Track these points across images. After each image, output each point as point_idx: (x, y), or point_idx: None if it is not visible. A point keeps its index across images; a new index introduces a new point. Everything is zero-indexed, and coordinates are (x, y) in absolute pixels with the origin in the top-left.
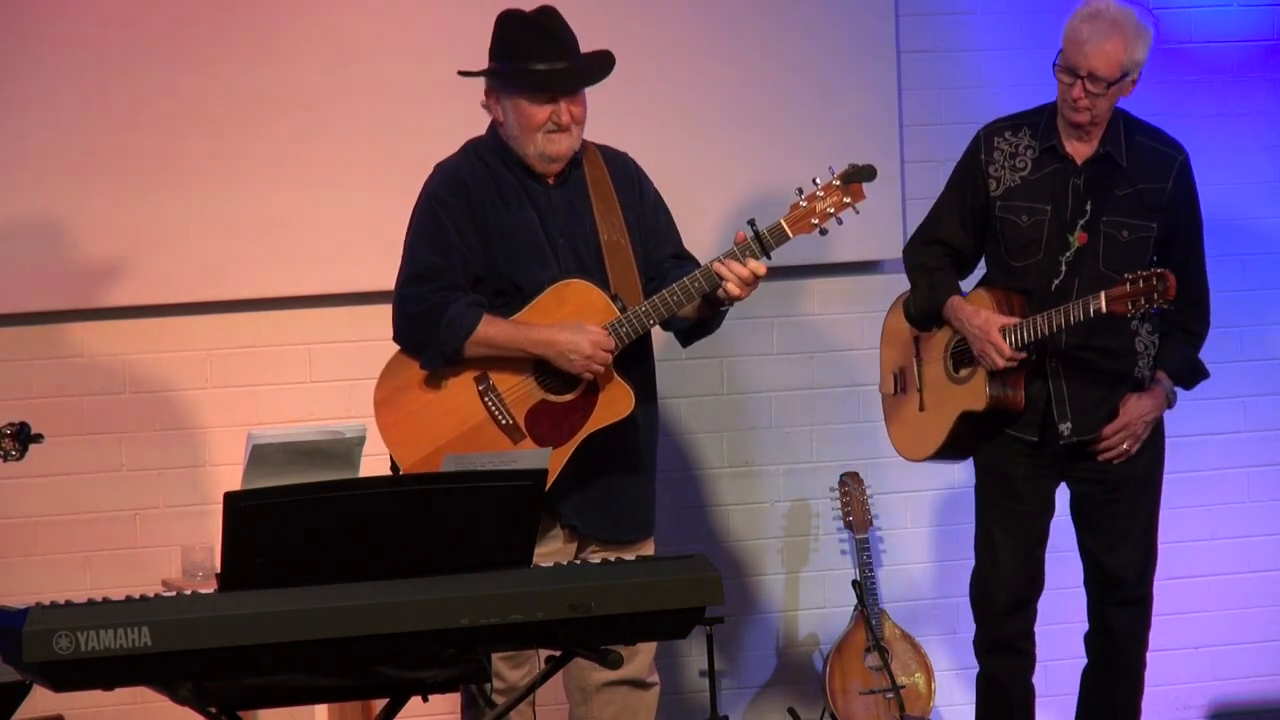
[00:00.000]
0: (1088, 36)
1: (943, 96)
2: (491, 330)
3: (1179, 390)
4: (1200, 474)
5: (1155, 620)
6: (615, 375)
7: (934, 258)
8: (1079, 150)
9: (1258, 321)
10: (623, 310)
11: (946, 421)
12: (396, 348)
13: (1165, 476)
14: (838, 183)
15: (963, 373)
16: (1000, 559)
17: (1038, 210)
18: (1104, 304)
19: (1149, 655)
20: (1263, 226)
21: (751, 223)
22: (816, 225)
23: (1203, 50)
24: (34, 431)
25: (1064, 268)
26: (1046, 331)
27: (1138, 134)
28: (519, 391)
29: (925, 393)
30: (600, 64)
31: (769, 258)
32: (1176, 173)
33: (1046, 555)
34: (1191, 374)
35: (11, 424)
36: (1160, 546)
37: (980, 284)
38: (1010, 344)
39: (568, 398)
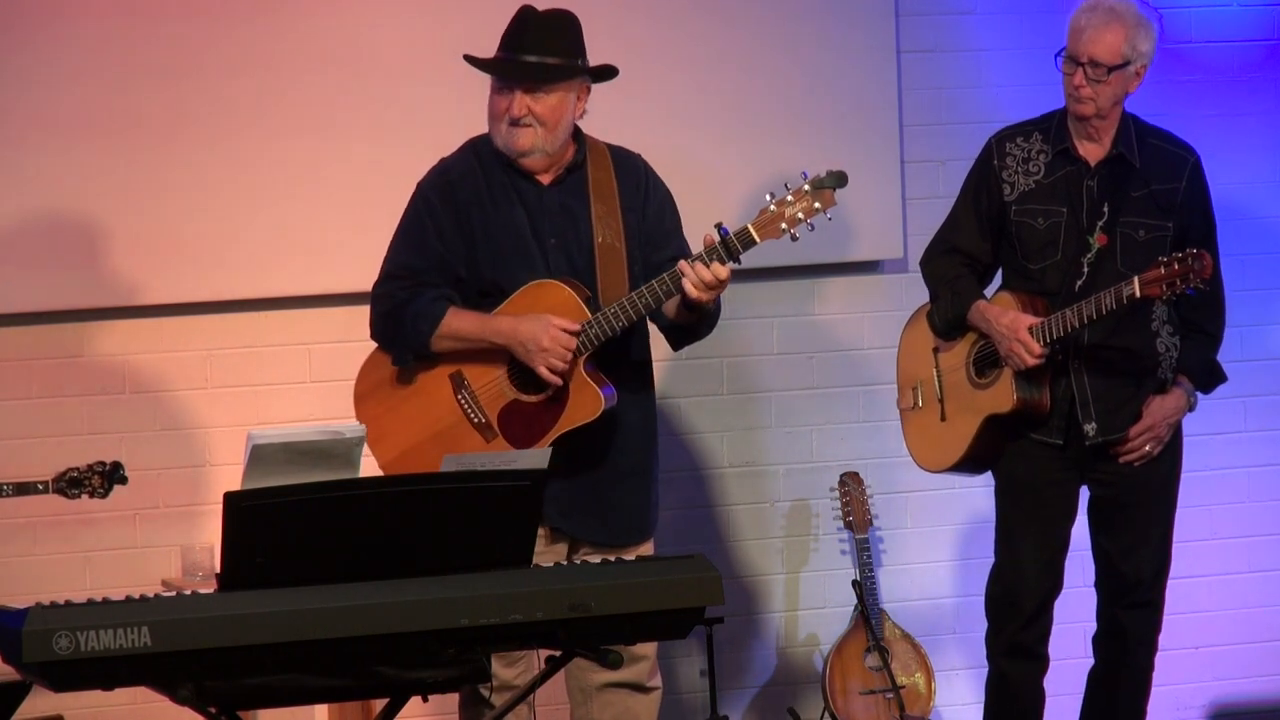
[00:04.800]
0: (1087, 23)
1: (943, 96)
2: (457, 322)
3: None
4: (1200, 474)
5: None
6: (585, 377)
7: (953, 267)
8: (1092, 152)
9: (1258, 321)
10: (595, 312)
11: (971, 427)
12: None
13: None
14: (807, 188)
15: (986, 377)
16: (1025, 564)
17: (1054, 212)
18: (1137, 289)
19: None
20: (1263, 226)
21: (719, 226)
22: (785, 230)
23: (1203, 50)
24: (123, 473)
25: (1086, 269)
26: (1076, 324)
27: (1149, 136)
28: (492, 391)
29: (947, 402)
30: (569, 69)
31: (738, 261)
32: (1189, 173)
33: None
34: (1209, 376)
35: (102, 463)
36: None
37: (1001, 288)
38: (1039, 341)
39: (539, 398)
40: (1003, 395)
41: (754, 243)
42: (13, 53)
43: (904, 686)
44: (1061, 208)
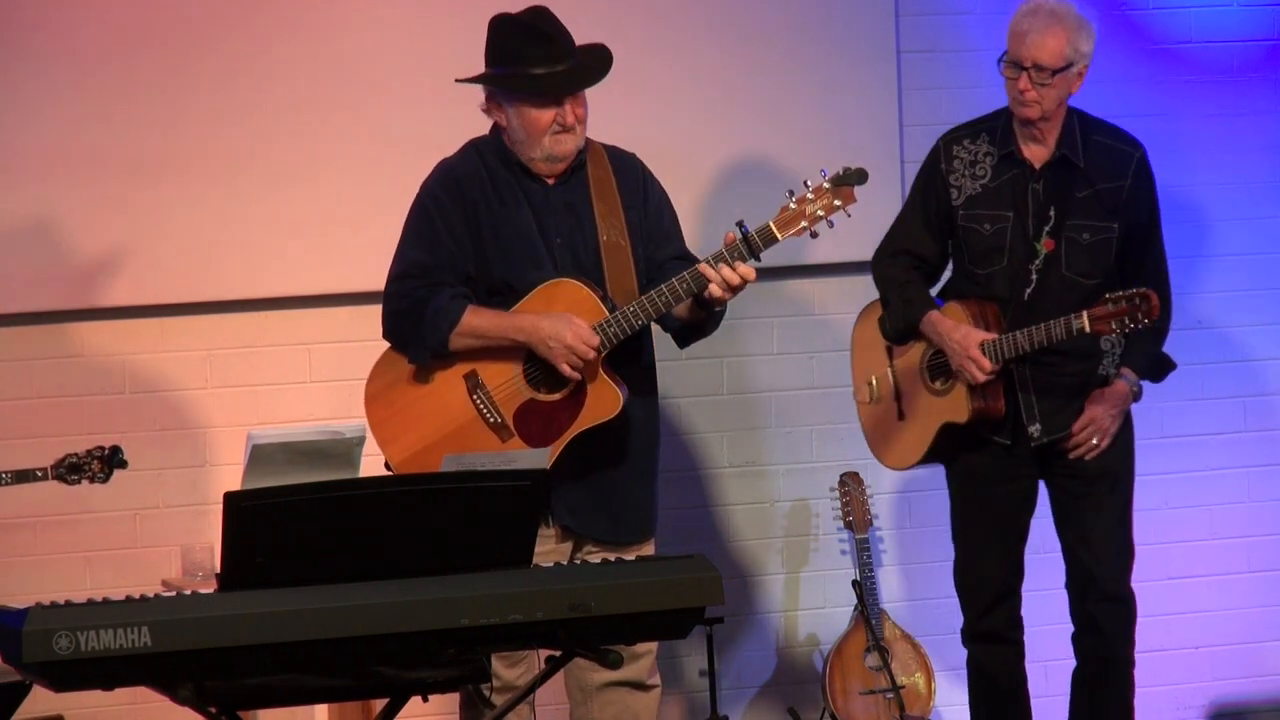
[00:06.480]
0: (1028, 28)
1: (943, 96)
2: (476, 320)
3: (1149, 384)
4: (1200, 474)
5: (1155, 620)
6: (604, 375)
7: (902, 270)
8: (1036, 154)
9: (1258, 321)
10: (612, 310)
11: (928, 432)
12: None
13: (1165, 477)
14: (828, 185)
15: (940, 384)
16: (981, 555)
17: (1000, 218)
18: (1087, 324)
19: (1149, 656)
20: (1263, 226)
21: (740, 224)
22: (806, 228)
23: (1203, 50)
24: (122, 457)
25: (1035, 276)
26: (1027, 348)
27: (1094, 133)
28: (508, 390)
29: (904, 403)
30: (599, 62)
31: (758, 259)
32: (1135, 169)
33: (1046, 555)
34: (1158, 367)
35: (101, 448)
36: (1160, 546)
37: (949, 294)
38: (990, 358)
39: (556, 397)
40: (958, 405)
41: (776, 240)
42: (11, 55)
43: (904, 686)
44: (1007, 212)
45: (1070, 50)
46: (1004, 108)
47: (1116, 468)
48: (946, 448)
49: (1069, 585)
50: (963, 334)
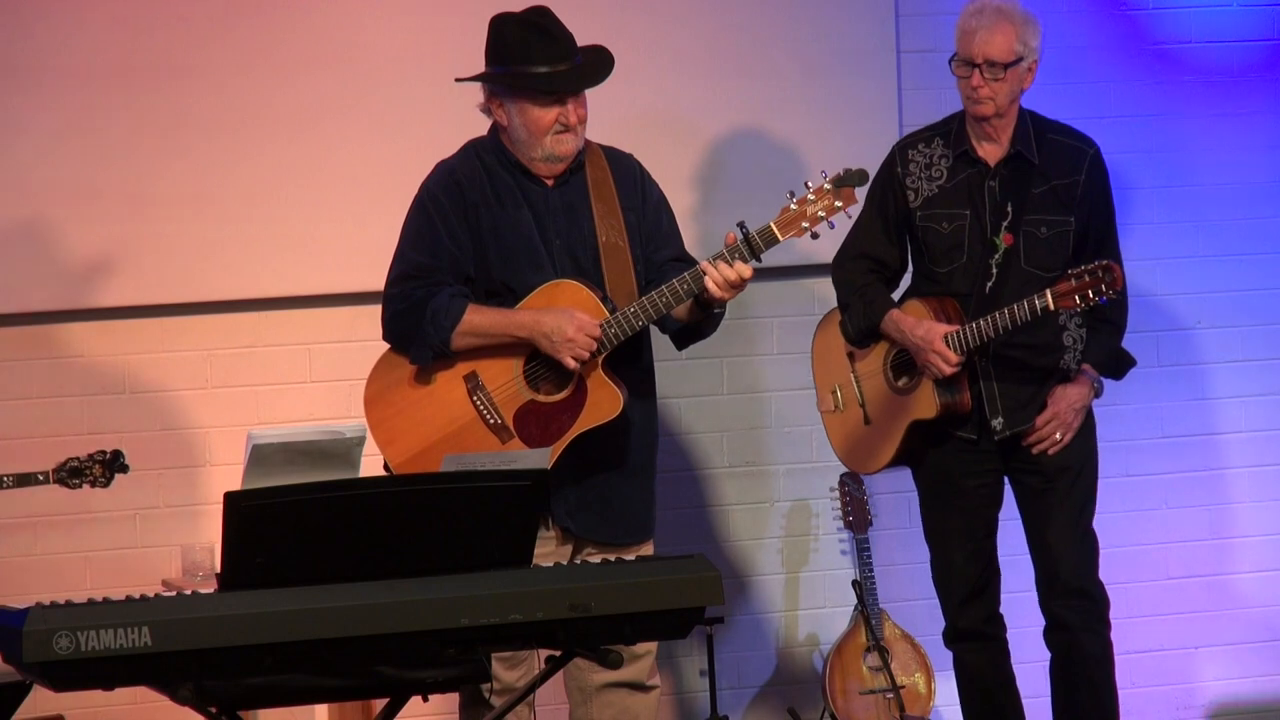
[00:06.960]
0: (976, 25)
1: (943, 96)
2: (477, 318)
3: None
4: (1200, 474)
5: (1156, 620)
6: (604, 377)
7: (861, 274)
8: (991, 153)
9: (1259, 321)
10: (613, 312)
11: (897, 433)
12: None
13: (1165, 477)
14: (829, 186)
15: (904, 383)
16: (952, 554)
17: (957, 216)
18: (1051, 301)
19: (1150, 656)
20: (1263, 226)
21: (741, 225)
22: (807, 229)
23: (1203, 50)
24: (124, 461)
25: (995, 270)
26: (991, 334)
27: (1049, 132)
28: (508, 391)
29: (869, 407)
30: (602, 62)
31: (759, 260)
32: (1089, 165)
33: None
34: (1118, 364)
35: (103, 452)
36: (1160, 546)
37: (909, 293)
38: (955, 350)
39: (556, 398)
40: (925, 402)
41: (776, 241)
42: (10, 57)
43: (904, 686)
44: (964, 210)
45: (1019, 45)
46: (956, 113)
47: (1079, 463)
48: (915, 447)
49: (1036, 581)
50: (925, 329)
